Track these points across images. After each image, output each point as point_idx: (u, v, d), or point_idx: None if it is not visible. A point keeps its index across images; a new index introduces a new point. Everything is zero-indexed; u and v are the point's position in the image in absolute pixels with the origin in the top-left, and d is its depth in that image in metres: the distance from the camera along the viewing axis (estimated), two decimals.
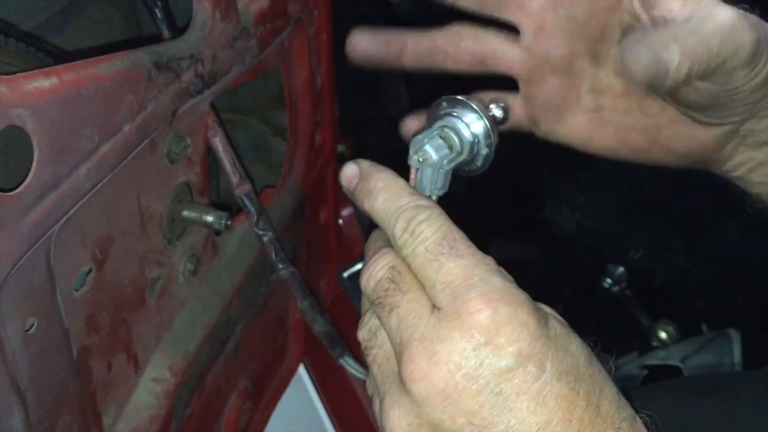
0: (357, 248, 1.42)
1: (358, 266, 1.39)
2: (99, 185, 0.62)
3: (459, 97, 0.58)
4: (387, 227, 0.50)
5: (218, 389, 0.96)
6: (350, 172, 0.55)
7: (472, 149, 0.57)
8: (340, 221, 1.39)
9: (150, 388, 0.80)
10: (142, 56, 0.66)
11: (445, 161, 0.55)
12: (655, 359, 1.36)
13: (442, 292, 0.45)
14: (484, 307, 0.43)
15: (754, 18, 0.54)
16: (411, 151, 0.56)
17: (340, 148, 1.35)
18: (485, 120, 0.56)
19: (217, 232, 0.91)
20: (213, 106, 0.85)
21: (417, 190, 0.53)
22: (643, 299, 1.56)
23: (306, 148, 1.09)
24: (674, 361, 1.34)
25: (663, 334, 1.46)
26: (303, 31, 0.99)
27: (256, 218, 0.89)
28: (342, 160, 1.35)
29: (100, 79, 0.60)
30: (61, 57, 0.72)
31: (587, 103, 0.64)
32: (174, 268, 0.83)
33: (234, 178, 0.89)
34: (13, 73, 0.53)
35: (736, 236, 1.47)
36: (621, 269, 1.59)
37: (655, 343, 1.46)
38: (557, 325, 0.47)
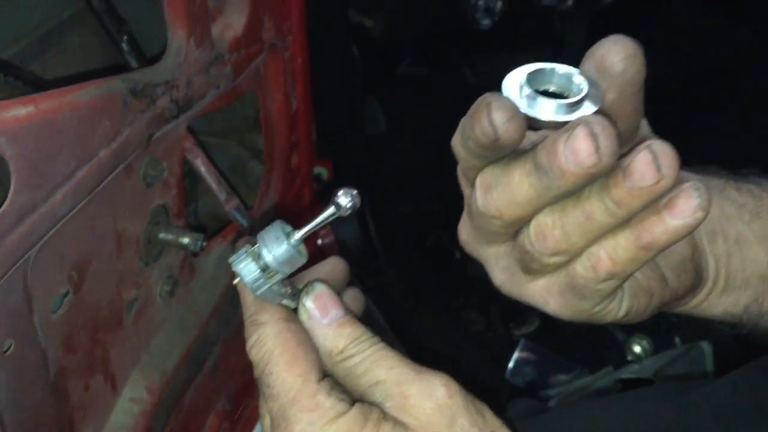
0: None
1: None
2: (76, 209, 0.64)
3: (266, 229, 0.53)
4: None
5: (196, 409, 0.97)
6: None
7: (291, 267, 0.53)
8: (319, 242, 1.41)
9: (127, 408, 0.82)
10: (117, 83, 0.68)
11: (260, 281, 0.52)
12: (628, 373, 1.39)
13: (270, 425, 0.52)
14: None
15: None
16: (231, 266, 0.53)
17: (318, 169, 1.38)
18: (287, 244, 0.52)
19: (195, 254, 0.93)
20: (191, 130, 0.87)
21: (262, 292, 0.53)
22: None
23: (282, 169, 1.11)
24: (647, 375, 1.37)
25: (637, 348, 1.49)
26: (278, 56, 1.01)
27: (248, 232, 0.92)
28: (320, 181, 1.38)
29: (77, 106, 0.62)
30: (39, 85, 0.74)
31: None
32: (151, 290, 0.84)
33: (221, 195, 0.91)
34: None
35: None
36: None
37: (630, 357, 1.49)
38: None
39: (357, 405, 0.49)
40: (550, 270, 0.51)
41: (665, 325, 1.56)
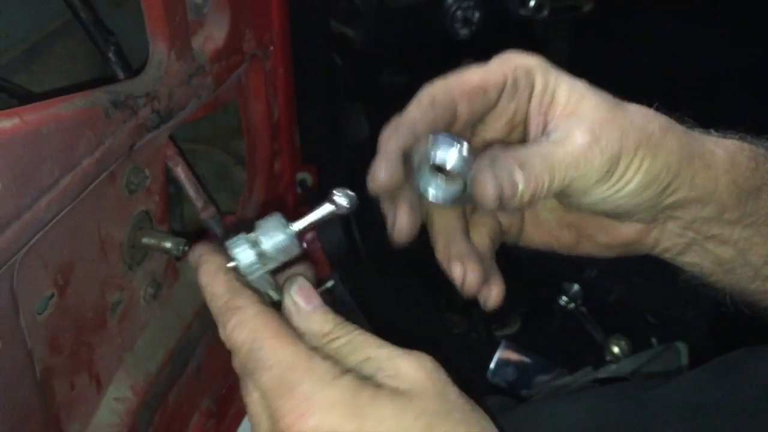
0: (318, 272, 1.47)
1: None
2: (60, 215, 0.67)
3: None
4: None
5: (181, 408, 1.00)
6: (191, 258, 0.61)
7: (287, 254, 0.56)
8: (303, 245, 1.43)
9: (112, 407, 0.85)
10: (100, 95, 0.71)
11: (255, 267, 0.55)
12: (606, 373, 1.42)
13: (262, 402, 0.52)
14: (294, 423, 0.49)
15: (614, 133, 0.56)
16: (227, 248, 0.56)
17: (303, 175, 1.41)
18: (287, 235, 0.56)
19: (178, 258, 0.96)
20: (172, 139, 0.90)
21: (242, 275, 0.56)
22: (598, 315, 1.63)
23: (265, 176, 1.15)
24: (625, 374, 1.40)
25: (616, 349, 1.52)
26: (259, 66, 1.05)
27: (221, 239, 0.95)
28: (304, 187, 1.41)
29: (60, 118, 0.65)
30: (27, 98, 0.77)
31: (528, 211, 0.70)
32: (135, 292, 0.87)
33: (198, 203, 0.94)
34: None
35: None
36: (576, 287, 1.65)
37: (608, 357, 1.52)
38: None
39: (353, 372, 0.51)
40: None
41: (643, 326, 1.60)
